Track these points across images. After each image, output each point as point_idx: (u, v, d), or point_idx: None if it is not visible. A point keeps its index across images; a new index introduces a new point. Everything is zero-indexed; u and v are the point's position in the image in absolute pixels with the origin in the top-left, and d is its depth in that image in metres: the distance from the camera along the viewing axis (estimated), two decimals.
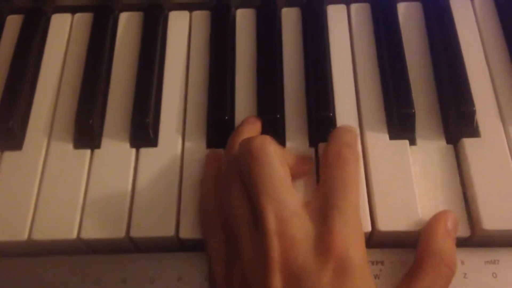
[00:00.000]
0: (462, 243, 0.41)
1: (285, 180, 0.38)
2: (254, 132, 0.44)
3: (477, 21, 0.51)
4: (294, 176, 0.41)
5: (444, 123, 0.46)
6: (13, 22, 0.54)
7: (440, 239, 0.38)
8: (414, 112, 0.45)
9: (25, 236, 0.42)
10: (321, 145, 0.44)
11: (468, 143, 0.44)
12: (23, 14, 0.54)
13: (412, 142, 0.45)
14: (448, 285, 0.38)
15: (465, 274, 0.40)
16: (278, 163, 0.38)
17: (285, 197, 0.36)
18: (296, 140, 0.46)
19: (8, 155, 0.46)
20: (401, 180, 0.42)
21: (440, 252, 0.38)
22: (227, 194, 0.39)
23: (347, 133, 0.42)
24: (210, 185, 0.42)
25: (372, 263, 0.41)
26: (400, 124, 0.45)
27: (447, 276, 0.37)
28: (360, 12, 0.52)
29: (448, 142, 0.45)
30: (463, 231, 0.41)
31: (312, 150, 0.45)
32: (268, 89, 0.48)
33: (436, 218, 0.40)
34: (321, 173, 0.40)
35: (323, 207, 0.37)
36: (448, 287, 0.38)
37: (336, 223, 0.35)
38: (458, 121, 0.44)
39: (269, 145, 0.38)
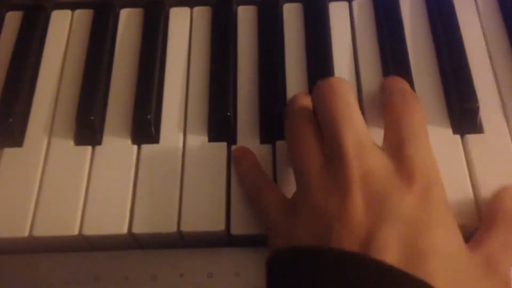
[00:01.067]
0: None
1: (361, 115, 0.38)
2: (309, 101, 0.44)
3: (479, 17, 0.51)
4: None
5: (449, 117, 0.45)
6: (13, 19, 0.53)
7: (510, 201, 0.38)
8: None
9: (26, 233, 0.41)
10: None
11: (471, 139, 0.44)
12: (22, 10, 0.53)
13: None
14: None
15: None
16: (353, 98, 0.38)
17: (362, 126, 0.37)
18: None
19: (9, 152, 0.45)
20: None
21: (509, 210, 0.38)
22: (295, 140, 0.39)
23: (403, 83, 0.42)
24: (253, 171, 0.42)
25: None
26: None
27: None
28: (362, 8, 0.52)
29: (454, 133, 0.45)
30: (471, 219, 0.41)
31: None
32: (270, 86, 0.47)
33: (505, 187, 0.39)
34: (387, 121, 0.39)
35: (396, 144, 0.36)
36: None
37: (413, 152, 0.35)
38: (461, 117, 0.44)
39: (347, 83, 0.39)
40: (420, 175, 0.34)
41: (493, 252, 0.35)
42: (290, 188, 0.42)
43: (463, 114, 0.44)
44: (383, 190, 0.34)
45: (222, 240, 0.42)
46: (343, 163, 0.35)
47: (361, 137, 0.36)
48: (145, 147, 0.45)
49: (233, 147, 0.45)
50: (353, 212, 0.33)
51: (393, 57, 0.48)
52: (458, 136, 0.44)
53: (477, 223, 0.40)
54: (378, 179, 0.34)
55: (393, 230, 0.32)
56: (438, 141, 0.43)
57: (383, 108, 0.41)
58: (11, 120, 0.46)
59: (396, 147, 0.36)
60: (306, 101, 0.42)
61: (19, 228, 0.42)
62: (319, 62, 0.48)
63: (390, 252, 0.31)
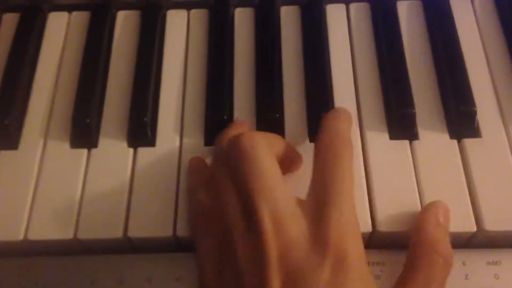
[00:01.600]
0: (464, 244, 0.41)
1: (277, 177, 0.36)
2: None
3: (477, 20, 0.51)
4: (288, 165, 0.40)
5: (447, 121, 0.45)
6: (9, 20, 0.53)
7: (432, 230, 0.37)
8: (415, 112, 0.44)
9: (21, 236, 0.41)
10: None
11: (469, 143, 0.43)
12: (19, 12, 0.53)
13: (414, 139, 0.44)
14: (446, 277, 0.37)
15: (467, 275, 0.40)
16: (269, 159, 0.36)
17: (278, 195, 0.35)
18: (296, 139, 0.45)
19: (4, 154, 0.45)
20: (402, 180, 0.42)
21: (432, 242, 0.37)
22: (217, 196, 0.37)
23: (338, 121, 0.40)
24: (198, 191, 0.40)
25: (372, 264, 0.41)
26: (400, 124, 0.44)
27: (442, 267, 0.36)
28: (360, 11, 0.52)
29: (451, 138, 0.44)
30: (469, 227, 0.40)
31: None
32: (267, 88, 0.47)
33: (426, 209, 0.39)
34: (313, 168, 0.38)
35: (317, 204, 0.35)
36: (446, 280, 0.37)
37: (332, 219, 0.34)
38: (459, 121, 0.44)
39: (259, 140, 0.36)
40: (334, 249, 0.33)
41: None
42: None
43: (460, 118, 0.44)
44: (299, 266, 0.33)
45: None
46: (261, 238, 0.33)
47: (279, 207, 0.34)
48: (141, 150, 0.45)
49: (190, 158, 0.44)
50: None
51: (390, 59, 0.48)
52: (455, 141, 0.44)
53: (474, 229, 0.40)
54: (295, 253, 0.33)
55: None
56: (435, 146, 0.43)
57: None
58: (6, 122, 0.45)
59: (316, 210, 0.35)
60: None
61: (14, 232, 0.41)
62: (316, 64, 0.48)
63: None
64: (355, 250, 0.34)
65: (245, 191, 0.35)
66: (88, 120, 0.45)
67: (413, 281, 0.36)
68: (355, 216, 0.36)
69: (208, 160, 0.44)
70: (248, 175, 0.35)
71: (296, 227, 0.34)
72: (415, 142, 0.44)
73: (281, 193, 0.35)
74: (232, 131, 0.42)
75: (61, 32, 0.52)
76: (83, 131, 0.45)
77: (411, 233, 0.39)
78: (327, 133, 0.39)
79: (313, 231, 0.34)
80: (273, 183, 0.35)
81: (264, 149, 0.36)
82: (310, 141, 0.45)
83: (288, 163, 0.41)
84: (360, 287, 0.33)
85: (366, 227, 0.40)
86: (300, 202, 0.36)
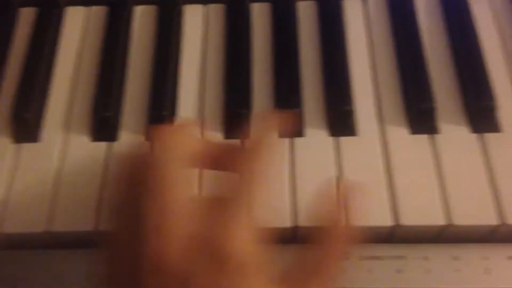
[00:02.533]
0: (486, 238, 0.41)
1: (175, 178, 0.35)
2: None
3: (495, 14, 0.51)
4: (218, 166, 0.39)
5: (467, 115, 0.45)
6: (27, 15, 0.53)
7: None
8: (435, 107, 0.44)
9: (42, 228, 0.41)
10: (341, 139, 0.44)
11: (489, 138, 0.44)
12: (36, 6, 0.53)
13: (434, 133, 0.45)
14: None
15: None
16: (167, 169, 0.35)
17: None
18: (315, 133, 0.45)
19: (26, 147, 0.45)
20: (423, 174, 0.42)
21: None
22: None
23: (267, 128, 0.39)
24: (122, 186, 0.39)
25: (394, 258, 0.41)
26: (421, 118, 0.44)
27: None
28: (377, 5, 0.52)
29: (472, 132, 0.45)
30: (491, 219, 0.40)
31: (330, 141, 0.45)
32: (285, 83, 0.47)
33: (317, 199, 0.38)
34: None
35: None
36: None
37: (224, 217, 0.34)
38: (479, 116, 0.44)
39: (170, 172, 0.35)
40: (214, 246, 0.33)
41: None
42: None
43: (480, 113, 0.44)
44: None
45: None
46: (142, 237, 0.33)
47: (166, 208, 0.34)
48: None
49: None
50: None
51: (408, 53, 0.48)
52: (476, 135, 0.44)
53: (496, 223, 0.40)
54: (175, 251, 0.32)
55: None
56: (455, 140, 0.43)
57: None
58: (27, 115, 0.46)
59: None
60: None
61: (36, 223, 0.41)
62: (334, 58, 0.48)
63: None
64: (240, 249, 0.33)
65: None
66: (108, 114, 0.45)
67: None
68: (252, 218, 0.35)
69: None
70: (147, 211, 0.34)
71: (180, 228, 0.33)
72: (436, 136, 0.44)
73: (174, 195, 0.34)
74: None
75: (78, 26, 0.52)
76: (103, 125, 0.45)
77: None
78: (252, 146, 0.38)
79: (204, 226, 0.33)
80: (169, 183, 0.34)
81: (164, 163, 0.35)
82: (331, 135, 0.45)
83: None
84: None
85: (388, 221, 0.40)
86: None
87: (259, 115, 0.43)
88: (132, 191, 0.36)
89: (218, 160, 0.40)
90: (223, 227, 0.33)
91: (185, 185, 0.36)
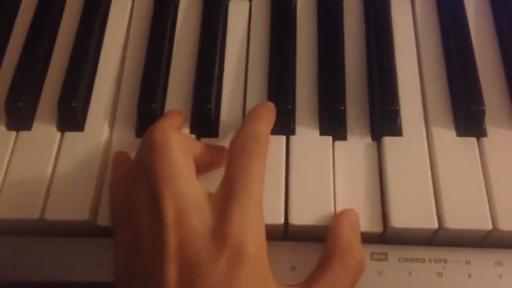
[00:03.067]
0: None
1: (186, 170, 0.37)
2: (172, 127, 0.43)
3: None
4: (206, 166, 0.41)
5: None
6: (74, 4, 0.54)
7: (346, 233, 0.38)
8: (484, 110, 0.44)
9: (86, 216, 0.42)
10: (385, 139, 0.44)
11: None
12: None
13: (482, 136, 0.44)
14: (356, 281, 0.37)
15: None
16: (179, 153, 0.37)
17: (185, 187, 0.36)
18: (357, 132, 0.45)
19: (70, 135, 0.46)
20: (470, 178, 0.42)
21: (347, 244, 0.38)
22: (132, 187, 0.39)
23: (257, 121, 0.41)
24: (116, 184, 0.42)
25: (435, 261, 0.40)
26: (469, 121, 0.44)
27: (355, 271, 0.37)
28: (426, 5, 0.51)
29: None
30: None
31: (374, 144, 0.44)
32: (330, 80, 0.47)
33: (340, 215, 0.40)
34: (226, 164, 0.39)
35: (224, 199, 0.36)
36: (356, 284, 0.38)
37: (234, 213, 0.35)
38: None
39: (170, 135, 0.37)
40: (232, 241, 0.34)
41: None
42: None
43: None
44: (197, 256, 0.34)
45: None
46: (162, 228, 0.34)
47: (184, 199, 0.35)
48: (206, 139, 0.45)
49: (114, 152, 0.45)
50: (166, 280, 0.33)
51: (458, 53, 0.47)
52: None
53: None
54: (194, 244, 0.34)
55: None
56: (503, 143, 0.43)
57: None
58: (74, 104, 0.46)
59: (221, 204, 0.36)
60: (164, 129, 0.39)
61: (82, 212, 0.42)
62: (381, 56, 0.48)
63: None
64: (255, 245, 0.35)
65: (152, 182, 0.36)
66: (153, 106, 0.46)
67: (325, 278, 0.37)
68: (259, 212, 0.37)
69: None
70: (156, 166, 0.36)
71: (199, 219, 0.35)
72: (483, 139, 0.43)
73: (188, 186, 0.36)
74: (161, 123, 0.41)
75: (125, 17, 0.53)
76: (148, 116, 0.46)
77: (328, 232, 0.39)
78: (242, 131, 0.40)
79: (215, 224, 0.35)
80: (179, 176, 0.36)
81: (175, 143, 0.37)
82: (372, 136, 0.45)
83: (204, 163, 0.41)
84: (255, 281, 0.34)
85: (433, 223, 0.40)
86: (209, 195, 0.37)
87: (254, 111, 0.43)
88: (139, 184, 0.38)
89: (214, 159, 0.42)
90: (235, 222, 0.35)
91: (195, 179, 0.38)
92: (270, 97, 0.47)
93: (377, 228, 0.41)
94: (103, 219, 0.42)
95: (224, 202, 0.36)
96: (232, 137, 0.40)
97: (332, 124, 0.45)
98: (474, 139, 0.44)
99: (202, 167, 0.40)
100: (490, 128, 0.44)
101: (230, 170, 0.38)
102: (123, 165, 0.43)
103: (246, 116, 0.42)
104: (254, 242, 0.35)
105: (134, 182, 0.38)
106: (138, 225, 0.37)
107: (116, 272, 0.38)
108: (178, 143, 0.38)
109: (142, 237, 0.36)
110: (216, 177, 0.39)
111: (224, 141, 0.45)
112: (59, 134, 0.46)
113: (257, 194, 0.37)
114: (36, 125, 0.47)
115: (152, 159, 0.37)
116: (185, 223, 0.35)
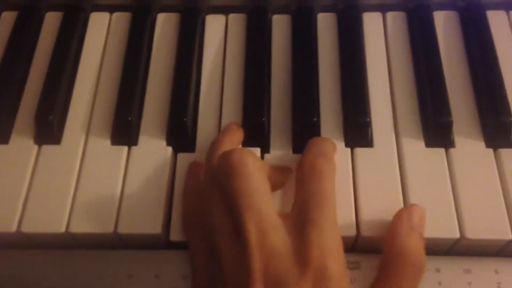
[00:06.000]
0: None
1: (265, 193, 0.38)
2: (235, 142, 0.45)
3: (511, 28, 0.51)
4: (273, 187, 0.41)
5: (483, 130, 0.46)
6: (52, 19, 0.55)
7: (403, 238, 0.38)
8: (452, 121, 0.45)
9: (62, 229, 0.42)
10: (357, 150, 0.45)
11: (504, 153, 0.44)
12: (62, 11, 0.55)
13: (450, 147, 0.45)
14: (417, 285, 0.37)
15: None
16: (257, 176, 0.38)
17: (265, 209, 0.36)
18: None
19: (47, 148, 0.46)
20: (439, 188, 0.43)
21: (403, 251, 0.38)
22: (208, 206, 0.39)
23: (323, 143, 0.42)
24: (192, 196, 0.42)
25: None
26: (437, 132, 0.45)
27: (414, 275, 0.37)
28: (396, 20, 0.53)
29: (487, 146, 0.45)
30: (505, 234, 0.41)
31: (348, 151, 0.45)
32: (304, 94, 0.48)
33: (398, 215, 0.40)
34: (296, 185, 0.40)
35: (300, 221, 0.37)
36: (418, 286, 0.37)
37: (313, 237, 0.35)
38: (496, 131, 0.45)
39: (248, 158, 0.38)
40: (315, 262, 0.34)
41: None
42: None
43: (496, 128, 0.45)
44: (281, 277, 0.34)
45: None
46: (246, 250, 0.35)
47: (264, 222, 0.36)
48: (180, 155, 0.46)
49: (190, 162, 0.45)
50: None
51: (427, 68, 0.48)
52: (491, 150, 0.45)
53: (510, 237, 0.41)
54: (278, 266, 0.35)
55: None
56: (471, 154, 0.44)
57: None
58: (51, 117, 0.47)
59: (299, 227, 0.36)
60: (228, 147, 0.42)
61: (56, 224, 0.42)
62: (353, 72, 0.49)
63: None
64: (336, 265, 0.35)
65: (233, 205, 0.37)
66: (130, 118, 0.46)
67: (386, 285, 0.37)
68: (337, 233, 0.37)
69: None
70: (236, 190, 0.37)
71: (280, 241, 0.36)
72: (452, 150, 0.45)
73: (266, 207, 0.37)
74: (225, 139, 0.44)
75: (102, 32, 0.53)
76: (125, 129, 0.46)
77: (385, 238, 0.39)
78: (312, 152, 0.41)
79: (295, 245, 0.35)
80: (260, 198, 0.37)
81: (253, 165, 0.38)
82: (346, 146, 0.46)
83: (272, 184, 0.41)
84: None
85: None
86: (284, 217, 0.37)
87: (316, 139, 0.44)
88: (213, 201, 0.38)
89: (282, 180, 0.43)
90: (316, 246, 0.35)
91: (272, 199, 0.38)
92: (245, 109, 0.48)
93: (351, 232, 0.41)
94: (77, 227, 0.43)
95: (300, 223, 0.36)
96: (299, 159, 0.41)
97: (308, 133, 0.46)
98: (442, 150, 0.45)
99: (271, 187, 0.41)
100: (458, 139, 0.45)
101: (303, 191, 0.38)
102: (196, 173, 0.44)
103: (310, 141, 0.42)
104: (335, 262, 0.35)
105: (209, 201, 0.39)
106: (216, 243, 0.37)
107: (194, 283, 0.39)
108: (254, 164, 0.38)
109: (222, 256, 0.36)
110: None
111: (202, 156, 0.45)
112: (36, 147, 0.46)
113: (332, 214, 0.37)
114: (14, 138, 0.47)
115: (231, 181, 0.37)
116: (266, 244, 0.35)
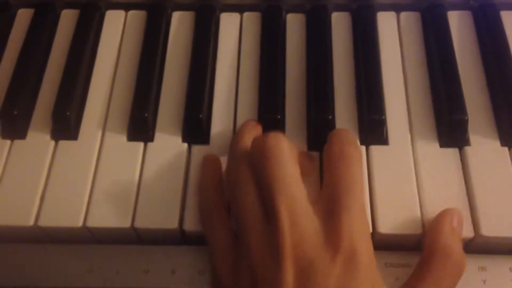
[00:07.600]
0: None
1: (297, 178, 0.38)
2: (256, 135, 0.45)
3: None
4: (302, 173, 0.41)
5: (498, 128, 0.46)
6: (68, 16, 0.55)
7: (446, 236, 0.39)
8: (467, 119, 0.45)
9: (80, 223, 0.43)
10: (372, 148, 0.45)
11: None
12: (77, 9, 0.55)
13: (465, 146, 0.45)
14: (457, 282, 0.38)
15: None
16: (292, 161, 0.39)
17: (296, 191, 0.37)
18: None
19: (64, 144, 0.47)
20: (454, 186, 0.43)
21: (446, 249, 0.38)
22: (236, 192, 0.40)
23: (348, 132, 0.43)
24: (210, 186, 0.43)
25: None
26: (452, 130, 0.45)
27: (455, 274, 0.38)
28: (410, 19, 0.53)
29: (502, 145, 0.45)
30: None
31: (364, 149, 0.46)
32: (319, 91, 0.48)
33: (442, 215, 0.40)
34: (325, 172, 0.41)
35: (330, 206, 0.37)
36: (456, 285, 0.38)
37: (344, 222, 0.36)
38: (511, 130, 0.45)
39: (284, 143, 0.39)
40: (345, 246, 0.35)
41: None
42: None
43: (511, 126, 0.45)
44: (312, 260, 0.35)
45: None
46: (277, 233, 0.35)
47: (296, 204, 0.37)
48: (195, 147, 0.46)
49: (205, 154, 0.46)
50: (284, 282, 0.34)
51: (441, 65, 0.49)
52: (506, 148, 0.45)
53: None
54: (308, 248, 0.35)
55: None
56: (485, 153, 0.44)
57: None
58: (68, 113, 0.47)
59: (329, 211, 0.37)
60: (250, 139, 0.42)
61: (74, 219, 0.43)
62: (367, 70, 0.49)
63: None
64: (365, 249, 0.36)
65: (266, 188, 0.37)
66: (146, 115, 0.47)
67: (425, 282, 0.37)
68: (365, 218, 0.38)
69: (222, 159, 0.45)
70: (271, 174, 0.38)
71: (309, 222, 0.36)
72: (466, 148, 0.45)
73: (298, 190, 0.38)
74: (246, 133, 0.44)
75: (118, 29, 0.54)
76: (141, 125, 0.47)
77: (426, 234, 0.40)
78: (338, 140, 0.41)
79: (325, 229, 0.36)
80: (292, 182, 0.38)
81: (287, 150, 0.39)
82: (361, 143, 0.46)
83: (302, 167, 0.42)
84: (368, 285, 0.35)
85: (418, 229, 0.41)
86: (314, 201, 0.38)
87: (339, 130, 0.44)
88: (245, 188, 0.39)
89: (309, 166, 0.43)
90: (345, 229, 0.36)
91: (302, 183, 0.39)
92: (260, 106, 0.48)
93: None
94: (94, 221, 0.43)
95: (330, 208, 0.37)
96: (325, 146, 0.42)
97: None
98: (456, 150, 0.45)
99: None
100: (473, 138, 0.46)
101: (332, 176, 0.39)
102: (213, 166, 0.44)
103: (332, 131, 0.43)
104: (365, 247, 0.36)
105: (238, 185, 0.39)
106: (245, 227, 0.38)
107: (216, 277, 0.40)
108: (290, 149, 0.39)
109: (250, 240, 0.37)
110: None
111: (215, 149, 0.46)
112: (53, 142, 0.47)
113: (361, 199, 0.38)
114: (31, 134, 0.47)
115: (267, 164, 0.38)
116: (297, 226, 0.36)
